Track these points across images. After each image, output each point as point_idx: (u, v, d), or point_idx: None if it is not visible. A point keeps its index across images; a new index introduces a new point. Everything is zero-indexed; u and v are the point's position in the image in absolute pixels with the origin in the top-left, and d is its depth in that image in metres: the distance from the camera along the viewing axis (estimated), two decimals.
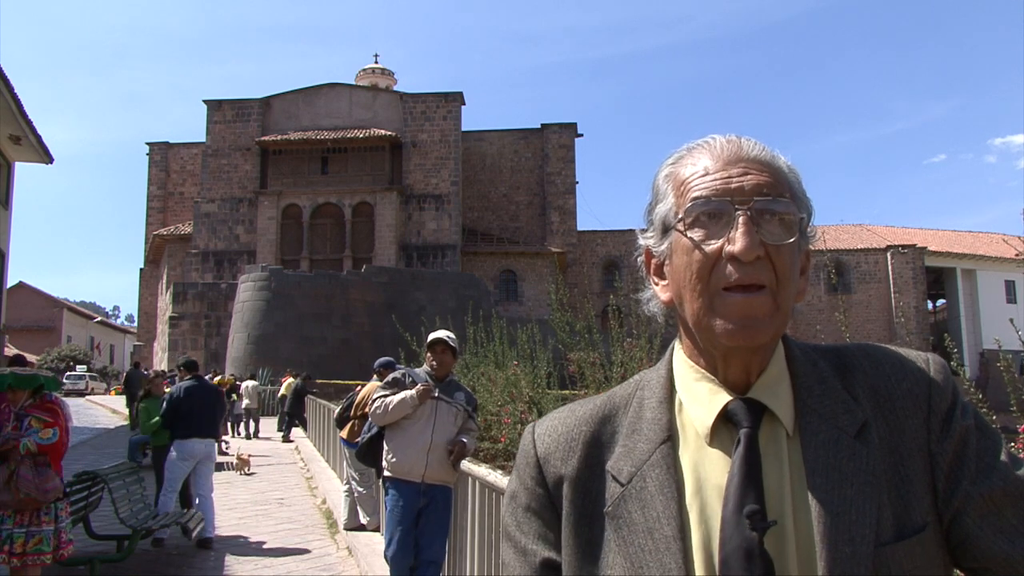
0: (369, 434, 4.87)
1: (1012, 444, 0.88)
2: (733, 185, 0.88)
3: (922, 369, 0.92)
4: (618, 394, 1.00)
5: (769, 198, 0.88)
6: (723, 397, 0.90)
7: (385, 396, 4.65)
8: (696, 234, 0.88)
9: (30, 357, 36.39)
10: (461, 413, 4.65)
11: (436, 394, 4.60)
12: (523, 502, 0.99)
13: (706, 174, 0.90)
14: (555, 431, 0.99)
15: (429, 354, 4.74)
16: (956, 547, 0.86)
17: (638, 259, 1.00)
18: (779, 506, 0.84)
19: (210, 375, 18.83)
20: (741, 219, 0.86)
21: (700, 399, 0.92)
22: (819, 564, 0.81)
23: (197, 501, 7.41)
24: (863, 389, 0.90)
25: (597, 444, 0.96)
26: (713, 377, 0.92)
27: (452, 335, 4.78)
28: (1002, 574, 0.83)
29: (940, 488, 0.87)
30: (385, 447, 4.69)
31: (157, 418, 7.59)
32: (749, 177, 0.89)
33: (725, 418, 0.90)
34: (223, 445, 13.60)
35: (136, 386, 19.31)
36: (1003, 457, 0.88)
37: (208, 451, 7.53)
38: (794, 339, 0.96)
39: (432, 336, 4.77)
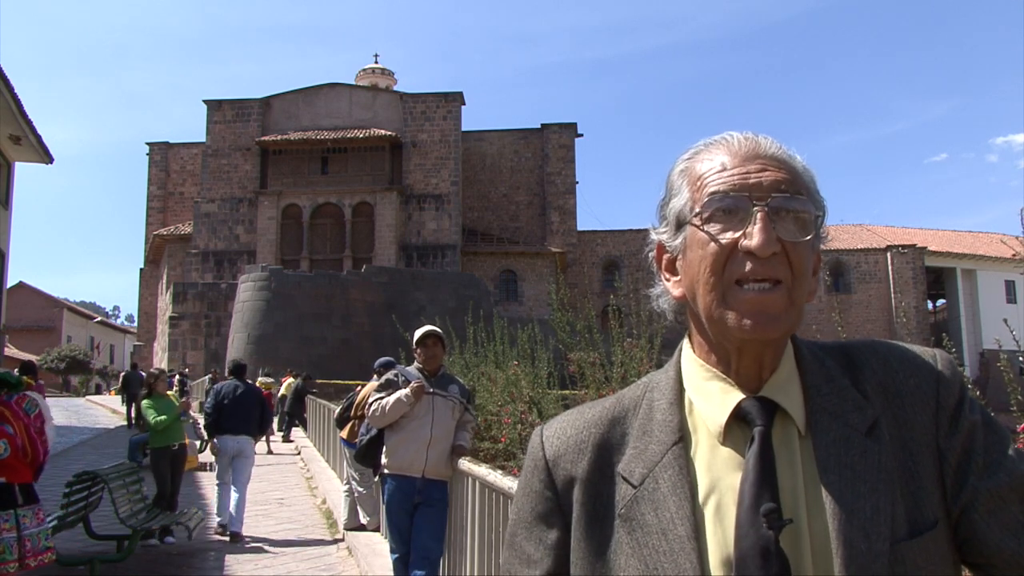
0: (368, 436, 4.92)
1: (1013, 443, 0.89)
2: (751, 181, 0.89)
3: (929, 365, 0.92)
4: (627, 396, 1.00)
5: (787, 195, 0.88)
6: (736, 396, 0.90)
7: (381, 398, 4.73)
8: (712, 228, 0.88)
9: (30, 357, 36.38)
10: (458, 405, 4.73)
11: (430, 389, 4.67)
12: (530, 507, 0.98)
13: (723, 170, 0.90)
14: (564, 433, 0.98)
15: (419, 350, 4.81)
16: (963, 543, 0.86)
17: (649, 255, 1.00)
18: (793, 505, 0.84)
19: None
20: (759, 214, 0.86)
21: (712, 398, 0.91)
22: (835, 562, 0.80)
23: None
24: (872, 386, 0.90)
25: (607, 446, 0.95)
26: (725, 376, 0.91)
27: (433, 327, 4.85)
28: (1007, 571, 0.83)
29: (948, 484, 0.87)
30: (385, 445, 4.75)
31: (163, 416, 7.61)
32: (767, 173, 0.89)
33: (737, 416, 0.89)
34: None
35: (135, 386, 19.29)
36: (1010, 453, 0.88)
37: (241, 448, 7.90)
38: (800, 338, 0.96)
39: (420, 332, 4.84)
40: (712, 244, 0.88)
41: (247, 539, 7.54)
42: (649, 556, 0.86)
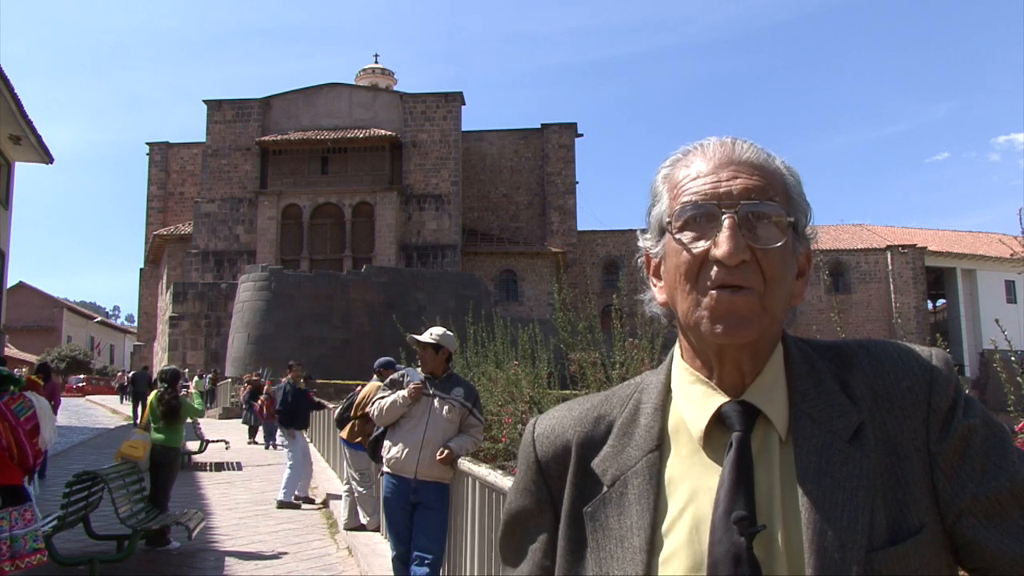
0: (376, 433, 5.05)
1: (1014, 446, 0.87)
2: (722, 189, 0.89)
3: (923, 367, 0.90)
4: (617, 394, 1.01)
5: (756, 202, 0.88)
6: (717, 399, 0.90)
7: (383, 398, 4.81)
8: (685, 236, 0.89)
9: (30, 357, 36.38)
10: (458, 409, 4.69)
11: (429, 391, 4.69)
12: (521, 504, 1.01)
13: (697, 177, 0.91)
14: (553, 432, 1.00)
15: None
16: (961, 548, 0.85)
17: (639, 260, 1.01)
18: (769, 511, 0.84)
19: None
20: (726, 223, 0.87)
21: (695, 401, 0.92)
22: (807, 570, 0.80)
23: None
24: (861, 388, 0.89)
25: (590, 444, 0.97)
26: (708, 380, 0.92)
27: (436, 331, 4.81)
28: (1007, 575, 0.82)
29: (941, 488, 0.85)
30: (384, 444, 4.81)
31: (199, 403, 8.65)
32: (738, 181, 0.89)
33: (719, 421, 0.89)
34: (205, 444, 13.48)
35: (143, 387, 19.34)
36: (1011, 457, 0.86)
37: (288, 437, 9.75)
38: (795, 337, 0.95)
39: (418, 336, 4.86)
40: (685, 253, 0.89)
41: (300, 504, 9.28)
42: (603, 560, 0.88)
